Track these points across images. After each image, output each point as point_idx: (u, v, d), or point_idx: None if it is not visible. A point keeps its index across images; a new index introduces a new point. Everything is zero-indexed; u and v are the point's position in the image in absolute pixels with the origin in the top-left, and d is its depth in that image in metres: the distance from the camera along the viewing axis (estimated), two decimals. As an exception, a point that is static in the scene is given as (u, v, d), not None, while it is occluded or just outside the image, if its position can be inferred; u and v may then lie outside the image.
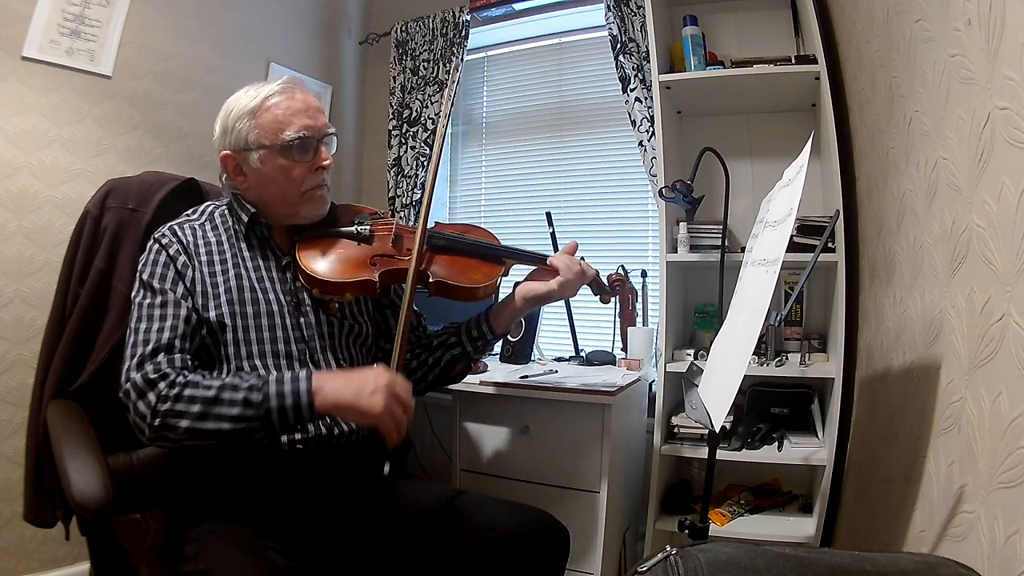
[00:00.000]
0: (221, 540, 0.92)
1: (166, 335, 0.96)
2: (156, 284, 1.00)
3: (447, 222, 1.95)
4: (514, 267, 1.24)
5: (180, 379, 0.92)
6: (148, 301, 0.99)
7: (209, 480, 1.02)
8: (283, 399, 0.91)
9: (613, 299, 1.39)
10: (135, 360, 0.94)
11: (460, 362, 1.23)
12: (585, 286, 1.34)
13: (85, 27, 1.74)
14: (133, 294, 1.02)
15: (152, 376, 0.92)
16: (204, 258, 1.05)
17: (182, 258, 1.03)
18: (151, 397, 0.90)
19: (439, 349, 1.22)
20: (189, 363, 0.97)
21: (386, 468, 0.99)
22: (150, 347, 0.95)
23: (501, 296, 1.28)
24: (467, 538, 1.05)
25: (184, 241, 1.05)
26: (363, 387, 0.92)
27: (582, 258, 1.23)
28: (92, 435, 1.06)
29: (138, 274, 1.03)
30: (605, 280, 1.33)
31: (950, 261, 0.89)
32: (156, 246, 1.04)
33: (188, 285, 1.02)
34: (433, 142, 2.40)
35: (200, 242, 1.07)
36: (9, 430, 1.62)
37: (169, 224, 1.08)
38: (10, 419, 1.62)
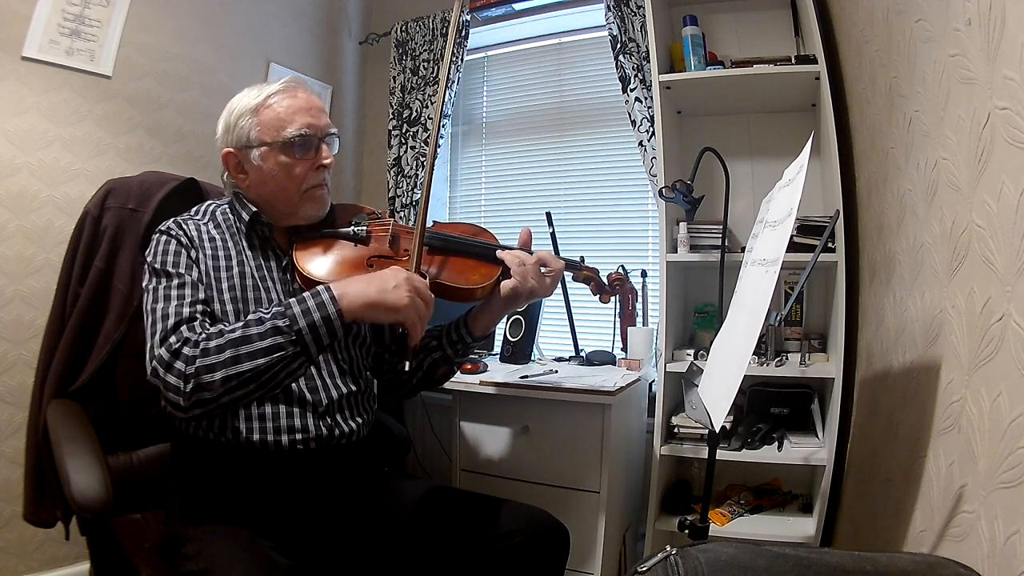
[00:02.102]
0: (222, 539, 0.92)
1: (186, 310, 0.95)
2: (171, 269, 1.00)
3: (446, 222, 1.95)
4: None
5: (203, 337, 0.90)
6: (164, 284, 0.98)
7: (210, 480, 1.02)
8: (311, 315, 0.89)
9: (613, 299, 1.38)
10: (158, 337, 0.92)
11: (442, 365, 1.22)
12: (583, 285, 1.33)
13: (85, 27, 1.74)
14: (145, 283, 1.01)
15: (176, 345, 0.89)
16: (209, 252, 1.05)
17: (192, 250, 1.04)
18: (179, 365, 0.88)
19: (421, 352, 1.21)
20: (209, 327, 0.95)
21: (407, 365, 0.99)
22: (171, 321, 0.93)
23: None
24: (467, 537, 1.05)
25: (190, 234, 1.05)
26: (385, 284, 0.93)
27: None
28: (92, 435, 1.06)
29: (148, 265, 1.02)
30: (605, 279, 1.33)
31: (950, 261, 0.89)
32: (164, 237, 1.04)
33: (199, 275, 1.02)
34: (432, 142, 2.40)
35: (204, 237, 1.07)
36: (9, 430, 1.61)
37: (172, 219, 1.08)
38: (10, 419, 1.62)
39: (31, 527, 1.20)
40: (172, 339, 0.91)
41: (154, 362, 0.90)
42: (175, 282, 0.98)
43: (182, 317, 0.94)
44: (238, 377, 0.87)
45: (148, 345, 0.93)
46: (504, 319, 1.99)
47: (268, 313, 0.90)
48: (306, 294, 0.92)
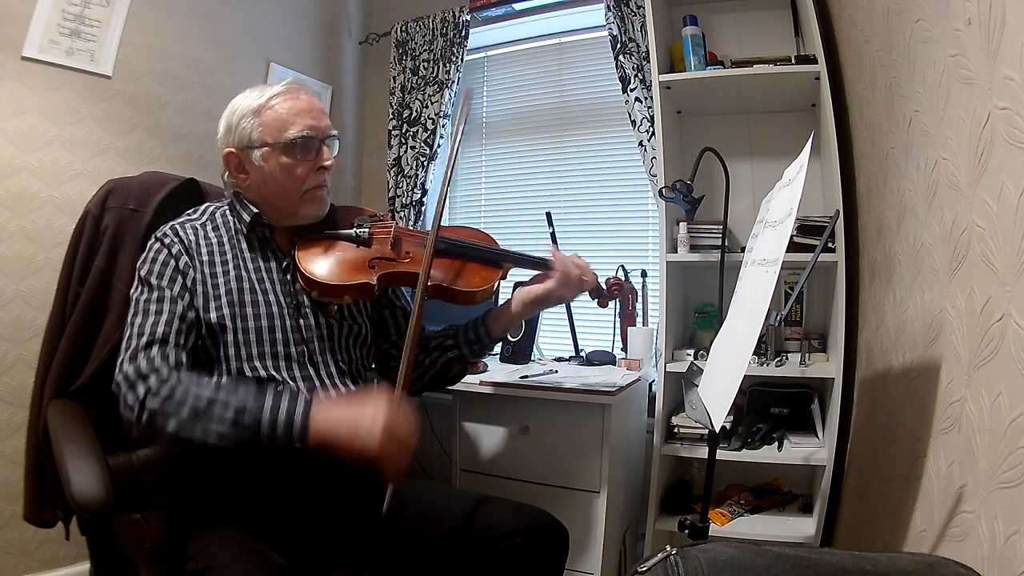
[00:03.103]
0: (221, 539, 0.92)
1: (160, 329, 0.96)
2: (154, 281, 1.01)
3: (446, 225, 1.95)
4: (514, 270, 1.24)
5: (173, 378, 0.91)
6: (145, 296, 1.00)
7: (209, 480, 1.02)
8: (277, 416, 0.89)
9: (612, 301, 1.39)
10: (129, 353, 0.94)
11: (456, 365, 1.22)
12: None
13: (85, 27, 1.74)
14: (131, 291, 1.03)
15: (144, 370, 0.91)
16: (206, 258, 1.05)
17: (184, 258, 1.03)
18: (140, 390, 0.90)
19: (436, 351, 1.21)
20: (183, 359, 0.96)
21: (385, 506, 0.92)
22: (144, 339, 0.94)
23: (501, 300, 1.28)
24: (466, 537, 1.05)
25: (186, 241, 1.05)
26: (360, 424, 0.88)
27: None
28: (92, 435, 1.06)
29: (137, 271, 1.03)
30: (603, 284, 1.33)
31: (950, 261, 0.89)
32: (157, 244, 1.04)
33: (189, 285, 1.02)
34: (433, 142, 2.40)
35: (202, 242, 1.07)
36: (9, 430, 1.62)
37: (171, 224, 1.08)
38: (10, 419, 1.62)
39: (31, 527, 1.20)
40: (141, 359, 0.92)
41: (119, 376, 0.92)
42: (155, 295, 0.99)
43: (155, 337, 0.95)
44: (187, 436, 0.89)
45: (119, 359, 0.95)
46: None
47: (239, 400, 0.90)
48: (283, 405, 0.90)
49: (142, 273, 1.02)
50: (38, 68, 1.66)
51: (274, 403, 0.90)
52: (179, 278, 1.02)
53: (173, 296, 1.00)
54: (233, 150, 1.07)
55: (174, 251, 1.03)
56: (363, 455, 0.87)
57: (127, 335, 0.97)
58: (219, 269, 1.05)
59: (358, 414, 0.89)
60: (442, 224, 1.23)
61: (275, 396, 0.92)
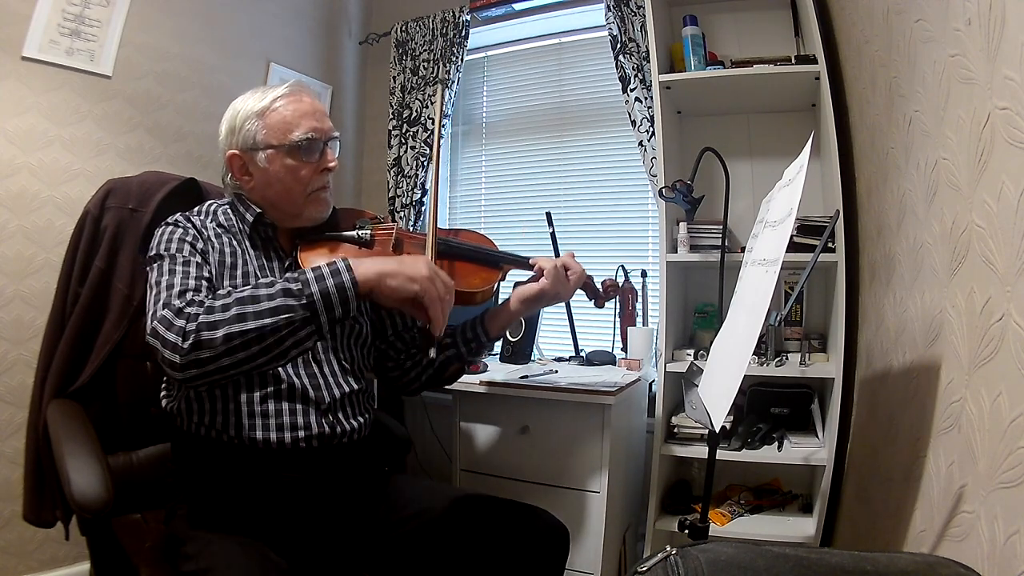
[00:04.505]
0: (222, 539, 0.92)
1: (191, 282, 0.95)
2: (174, 252, 0.99)
3: (446, 227, 1.96)
4: (515, 271, 1.26)
5: (208, 301, 0.87)
6: (168, 265, 0.97)
7: (210, 480, 1.02)
8: (324, 281, 0.87)
9: (609, 302, 1.39)
10: (161, 303, 0.89)
11: (454, 363, 1.24)
12: (580, 291, 1.34)
13: (85, 27, 1.74)
14: (148, 268, 1.00)
15: (180, 305, 0.87)
16: (217, 247, 1.06)
17: (200, 242, 1.04)
18: (180, 322, 0.84)
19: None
20: None
21: (431, 352, 0.98)
22: (176, 290, 0.92)
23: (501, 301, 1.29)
24: (466, 537, 1.05)
25: (197, 228, 1.06)
26: (403, 259, 0.93)
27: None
28: (92, 435, 1.06)
29: (151, 252, 1.01)
30: (599, 285, 1.34)
31: (950, 261, 0.89)
32: (170, 228, 1.04)
33: (205, 262, 1.02)
34: (433, 142, 2.40)
35: (211, 235, 1.07)
36: (9, 430, 1.62)
37: (179, 214, 1.08)
38: (10, 419, 1.62)
39: (31, 527, 1.20)
40: (177, 301, 0.89)
41: (155, 321, 0.86)
42: (180, 259, 0.98)
43: (187, 287, 0.93)
44: (241, 336, 0.82)
45: (150, 312, 0.90)
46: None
47: (279, 279, 0.89)
48: (320, 263, 0.90)
49: (158, 251, 1.00)
50: (38, 68, 1.66)
51: (312, 270, 0.89)
52: (197, 254, 1.01)
53: (198, 263, 0.99)
54: (237, 152, 1.07)
55: (190, 235, 1.04)
56: (412, 278, 0.90)
57: (154, 293, 0.93)
58: (228, 260, 1.06)
59: (399, 256, 0.94)
60: (442, 227, 1.24)
61: (308, 270, 0.90)
